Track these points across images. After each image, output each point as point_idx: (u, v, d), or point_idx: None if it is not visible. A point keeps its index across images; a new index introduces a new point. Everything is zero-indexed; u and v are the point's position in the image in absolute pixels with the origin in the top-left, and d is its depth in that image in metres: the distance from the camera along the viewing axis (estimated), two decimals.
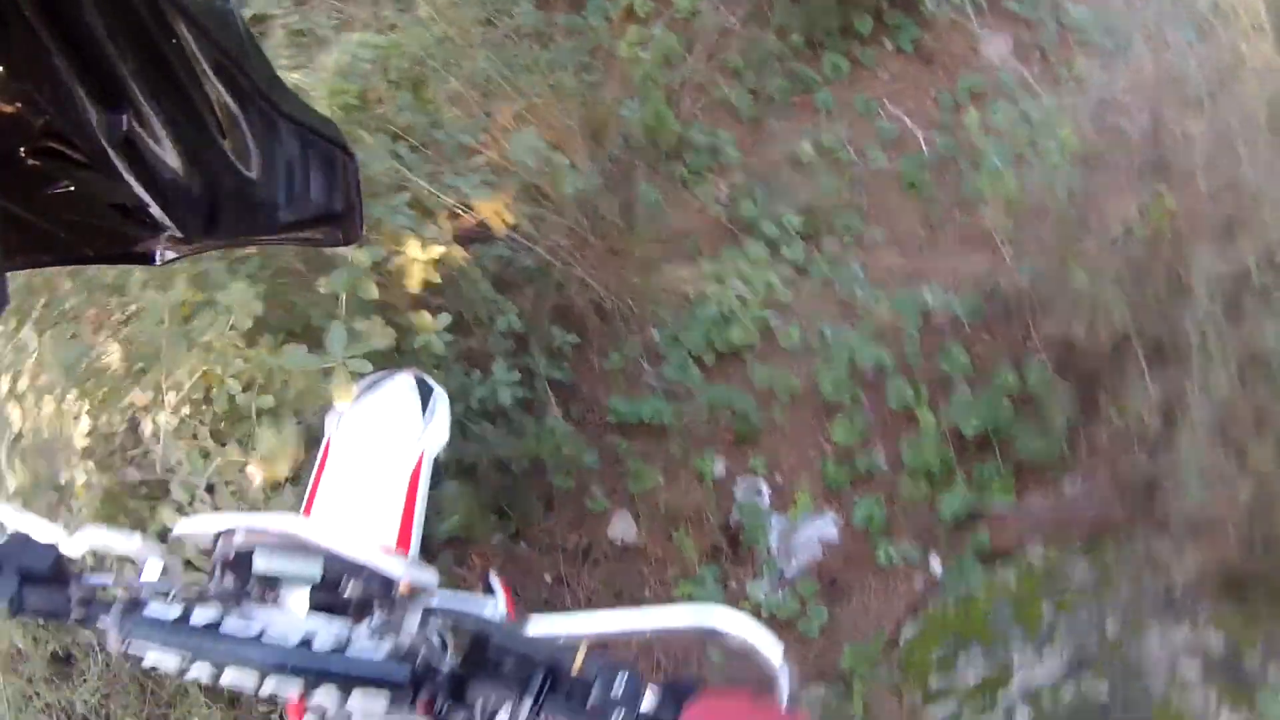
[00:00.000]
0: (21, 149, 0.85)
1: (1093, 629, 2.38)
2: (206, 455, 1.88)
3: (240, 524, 0.98)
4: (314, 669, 0.91)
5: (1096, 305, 2.44)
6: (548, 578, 2.78)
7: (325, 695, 0.91)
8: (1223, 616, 2.33)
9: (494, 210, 2.62)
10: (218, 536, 0.99)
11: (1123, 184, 2.52)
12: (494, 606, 1.06)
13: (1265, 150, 2.21)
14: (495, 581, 1.67)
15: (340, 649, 0.93)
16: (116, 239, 0.94)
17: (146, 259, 0.96)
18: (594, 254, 3.02)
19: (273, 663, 0.90)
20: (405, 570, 0.99)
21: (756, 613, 2.64)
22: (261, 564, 0.97)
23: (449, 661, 0.97)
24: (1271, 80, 2.27)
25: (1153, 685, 2.23)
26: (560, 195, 2.91)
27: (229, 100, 0.87)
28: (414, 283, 2.18)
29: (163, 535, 1.69)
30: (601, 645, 1.01)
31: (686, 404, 2.99)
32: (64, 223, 0.92)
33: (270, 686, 0.91)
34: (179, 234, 0.92)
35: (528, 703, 0.91)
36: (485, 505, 2.71)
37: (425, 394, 1.66)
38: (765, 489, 2.89)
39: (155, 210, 0.89)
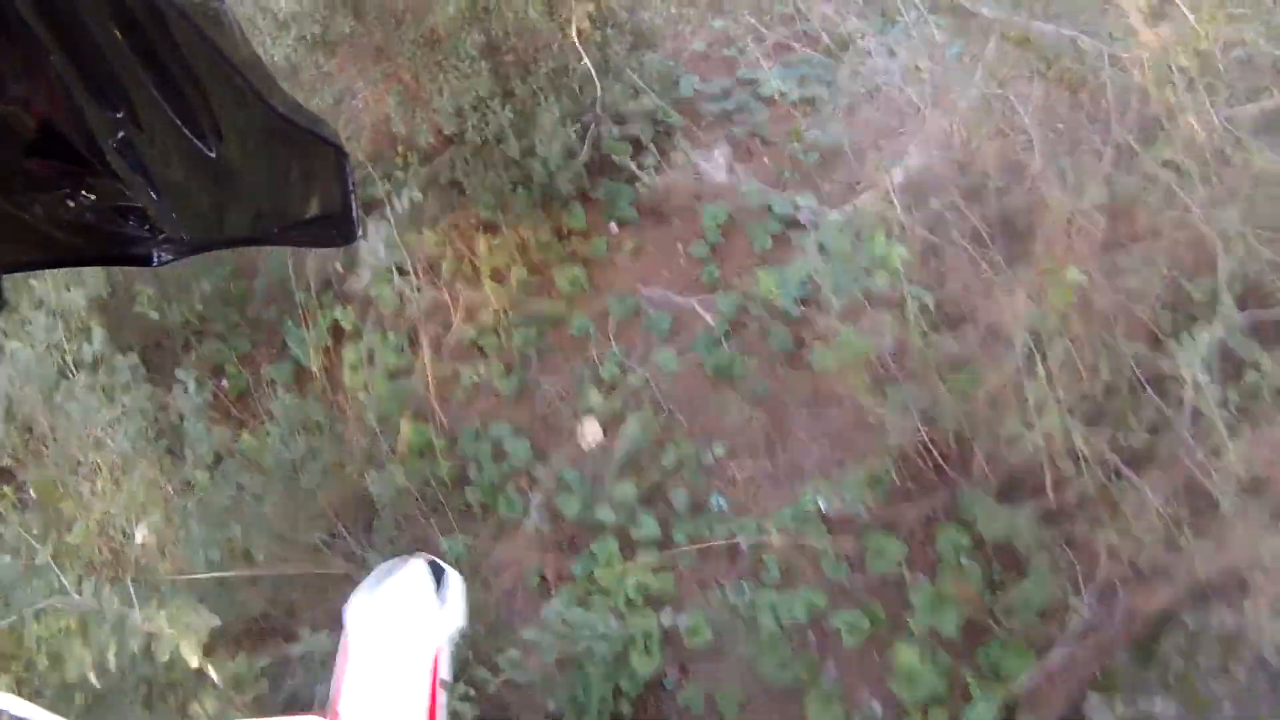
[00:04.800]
0: (20, 150, 0.85)
1: None
2: None
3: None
4: None
5: None
6: None
7: None
8: None
9: None
10: None
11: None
12: None
13: None
14: None
15: None
16: (115, 240, 0.94)
17: (145, 260, 0.95)
18: None
19: None
20: None
21: None
22: None
23: None
24: None
25: None
26: None
27: (225, 101, 0.90)
28: None
29: None
30: None
31: None
32: (63, 223, 0.91)
33: None
34: (177, 235, 0.93)
35: None
36: None
37: (438, 577, 1.73)
38: None
39: (153, 211, 0.90)
